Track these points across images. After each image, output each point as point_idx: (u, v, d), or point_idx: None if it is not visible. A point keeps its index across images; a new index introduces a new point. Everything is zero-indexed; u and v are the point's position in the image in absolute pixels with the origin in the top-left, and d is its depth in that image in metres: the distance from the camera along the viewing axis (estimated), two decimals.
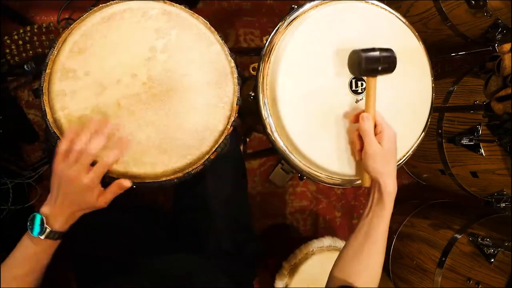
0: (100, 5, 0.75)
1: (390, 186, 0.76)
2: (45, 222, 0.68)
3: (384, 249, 0.78)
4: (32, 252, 0.70)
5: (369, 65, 0.79)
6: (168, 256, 0.92)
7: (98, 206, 0.71)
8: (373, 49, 0.79)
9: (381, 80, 0.89)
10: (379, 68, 0.79)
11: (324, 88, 0.86)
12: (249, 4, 1.77)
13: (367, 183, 0.86)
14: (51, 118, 0.70)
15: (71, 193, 0.68)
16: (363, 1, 0.91)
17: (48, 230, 0.68)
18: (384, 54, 0.80)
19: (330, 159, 0.87)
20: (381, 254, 0.78)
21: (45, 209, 0.69)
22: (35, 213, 0.69)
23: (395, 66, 0.81)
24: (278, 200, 1.79)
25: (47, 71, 0.70)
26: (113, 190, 0.71)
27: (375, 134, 0.79)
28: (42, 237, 0.68)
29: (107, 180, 0.71)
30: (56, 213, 0.69)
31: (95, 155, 0.68)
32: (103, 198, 0.71)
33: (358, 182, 0.93)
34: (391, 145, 0.79)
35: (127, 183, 0.70)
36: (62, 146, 0.67)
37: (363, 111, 0.81)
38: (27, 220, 0.69)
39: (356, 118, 0.82)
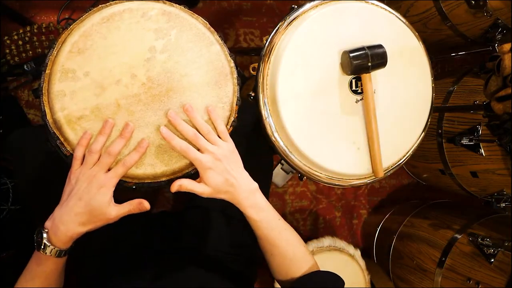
0: (100, 6, 0.74)
1: (239, 205, 0.76)
2: (44, 238, 0.67)
3: (288, 236, 0.80)
4: (39, 268, 0.69)
5: (358, 63, 0.82)
6: (169, 256, 0.92)
7: (107, 216, 0.68)
8: (361, 48, 0.83)
9: (381, 80, 0.89)
10: (369, 65, 0.83)
11: (324, 88, 0.86)
12: (249, 4, 1.77)
13: (380, 174, 0.87)
14: (51, 118, 0.70)
15: (84, 194, 0.65)
16: (363, 1, 0.91)
17: (48, 245, 0.67)
18: (373, 51, 0.82)
19: (330, 159, 0.87)
20: (290, 244, 0.80)
21: (47, 223, 0.68)
22: (39, 228, 0.68)
23: (386, 61, 0.84)
24: (278, 200, 1.79)
25: (47, 71, 0.70)
26: (130, 207, 0.70)
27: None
28: (45, 253, 0.67)
29: None
30: (57, 225, 0.66)
31: (116, 156, 0.68)
32: (116, 210, 0.68)
33: (358, 182, 0.93)
34: (216, 177, 0.73)
35: (147, 205, 0.71)
36: (78, 151, 0.68)
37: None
38: (36, 234, 0.68)
39: None
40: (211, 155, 0.71)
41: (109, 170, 0.68)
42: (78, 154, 0.68)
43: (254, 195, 0.76)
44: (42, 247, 0.67)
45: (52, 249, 0.67)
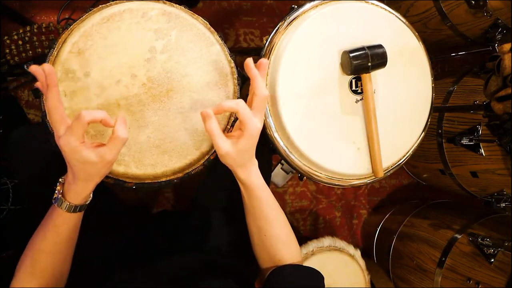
0: (100, 6, 0.74)
1: (241, 174, 0.74)
2: (59, 192, 0.66)
3: (277, 216, 0.82)
4: (52, 222, 0.68)
5: (358, 63, 0.82)
6: (169, 256, 0.92)
7: (107, 158, 0.61)
8: (361, 48, 0.83)
9: (381, 80, 0.89)
10: (369, 65, 0.83)
11: (324, 88, 0.86)
12: (249, 4, 1.77)
13: (380, 174, 0.87)
14: None
15: (68, 160, 0.62)
16: (363, 1, 0.91)
17: (61, 200, 0.66)
18: (373, 51, 0.82)
19: (330, 159, 0.87)
20: (278, 222, 0.81)
21: (64, 179, 0.67)
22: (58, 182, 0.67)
23: (386, 61, 0.84)
24: (278, 200, 1.78)
25: None
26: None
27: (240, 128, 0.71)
28: (59, 206, 0.66)
29: (104, 179, 0.71)
30: (70, 183, 0.65)
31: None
32: (107, 149, 0.62)
33: (358, 182, 0.93)
34: (248, 141, 0.69)
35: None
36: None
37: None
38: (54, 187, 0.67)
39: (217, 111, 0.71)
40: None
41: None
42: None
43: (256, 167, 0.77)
44: (56, 199, 0.66)
45: (62, 202, 0.66)
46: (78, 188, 0.65)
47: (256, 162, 0.75)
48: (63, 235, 0.69)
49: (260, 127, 0.69)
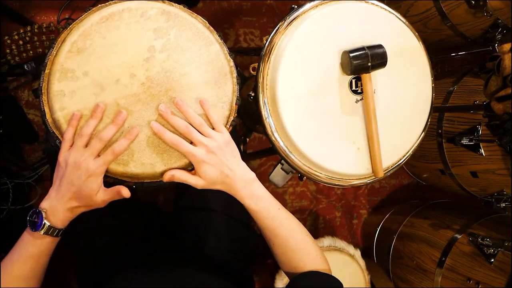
0: (99, 5, 0.74)
1: (237, 196, 0.75)
2: (44, 217, 0.67)
3: (290, 226, 0.79)
4: (31, 250, 0.68)
5: (358, 63, 0.82)
6: (168, 256, 0.92)
7: (96, 203, 0.68)
8: (361, 48, 0.82)
9: (381, 80, 0.89)
10: (369, 65, 0.82)
11: (324, 88, 0.86)
12: (249, 4, 1.77)
13: (380, 174, 0.87)
14: (50, 118, 0.70)
15: (75, 180, 0.65)
16: (363, 1, 0.91)
17: (47, 225, 0.67)
18: (373, 51, 0.82)
19: (330, 159, 0.87)
20: (294, 238, 0.79)
21: (44, 204, 0.68)
22: (34, 208, 0.68)
23: (386, 61, 0.84)
24: (278, 200, 1.78)
25: (46, 71, 0.70)
26: (113, 194, 0.69)
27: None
28: (42, 232, 0.67)
29: (104, 179, 0.71)
30: (55, 207, 0.67)
31: (106, 142, 0.67)
32: (103, 195, 0.68)
33: (358, 182, 0.93)
34: (211, 169, 0.71)
35: (126, 193, 0.69)
36: (69, 132, 0.67)
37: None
38: (27, 217, 0.68)
39: None
40: (205, 148, 0.70)
41: (98, 156, 0.67)
42: (68, 135, 0.67)
43: (251, 185, 0.75)
44: (41, 226, 0.67)
45: (50, 229, 0.67)
46: (67, 214, 0.69)
47: (248, 187, 0.75)
48: (42, 261, 0.71)
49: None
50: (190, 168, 0.76)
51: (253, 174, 0.76)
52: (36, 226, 0.67)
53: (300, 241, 0.79)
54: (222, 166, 0.72)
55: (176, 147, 0.71)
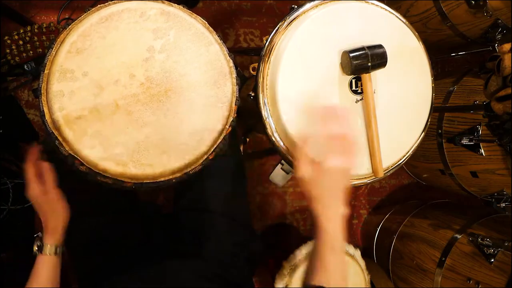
0: (99, 6, 0.74)
1: (316, 211, 0.70)
2: (40, 240, 0.82)
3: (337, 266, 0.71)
4: (36, 271, 0.81)
5: (358, 63, 0.82)
6: (168, 257, 0.92)
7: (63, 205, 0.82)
8: (361, 48, 0.82)
9: (381, 80, 0.89)
10: (369, 65, 0.82)
11: (324, 88, 0.86)
12: (249, 4, 1.77)
13: (380, 174, 0.86)
14: (49, 118, 0.70)
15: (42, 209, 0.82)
16: (363, 1, 0.91)
17: (42, 245, 0.81)
18: (373, 51, 0.82)
19: None
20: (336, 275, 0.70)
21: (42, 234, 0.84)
22: (36, 238, 0.83)
23: (386, 61, 0.84)
24: (278, 200, 1.78)
25: (45, 71, 0.70)
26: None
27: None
28: (46, 252, 0.81)
29: (103, 179, 0.71)
30: (49, 232, 0.82)
31: None
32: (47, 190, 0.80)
33: (358, 182, 0.93)
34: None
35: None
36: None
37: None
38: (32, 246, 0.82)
39: None
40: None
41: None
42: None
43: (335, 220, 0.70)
44: (41, 248, 0.81)
45: (50, 248, 0.81)
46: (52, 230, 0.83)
47: (336, 212, 0.70)
48: (53, 279, 0.83)
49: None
50: (189, 169, 0.75)
51: (341, 210, 0.71)
52: (40, 249, 0.82)
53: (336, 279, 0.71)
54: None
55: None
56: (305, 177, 0.68)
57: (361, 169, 0.89)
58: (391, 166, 0.94)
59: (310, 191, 0.69)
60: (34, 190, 0.80)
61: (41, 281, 0.80)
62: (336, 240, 0.70)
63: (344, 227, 0.71)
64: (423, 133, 0.96)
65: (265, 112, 0.86)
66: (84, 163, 0.71)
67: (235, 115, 0.79)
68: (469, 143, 1.33)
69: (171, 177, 0.75)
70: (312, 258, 0.72)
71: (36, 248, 0.82)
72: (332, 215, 0.70)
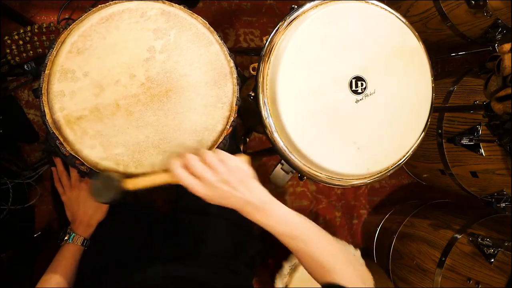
0: (99, 6, 0.74)
1: (253, 219, 0.70)
2: (71, 230, 0.88)
3: (320, 242, 0.70)
4: (62, 258, 0.85)
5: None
6: (168, 258, 0.92)
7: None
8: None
9: (381, 80, 0.89)
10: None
11: (324, 88, 0.86)
12: (249, 4, 1.77)
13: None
14: (50, 118, 0.70)
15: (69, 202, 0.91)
16: (363, 1, 0.91)
17: (73, 234, 0.87)
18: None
19: (330, 159, 0.87)
20: (329, 258, 0.69)
21: (70, 225, 0.90)
22: (65, 229, 0.89)
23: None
24: (278, 200, 1.78)
25: (46, 71, 0.70)
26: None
27: None
28: (75, 242, 0.87)
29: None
30: (77, 224, 0.89)
31: None
32: None
33: (358, 182, 0.93)
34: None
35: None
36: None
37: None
38: (60, 234, 0.89)
39: None
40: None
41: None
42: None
43: (265, 208, 0.70)
44: (68, 237, 0.87)
45: (74, 236, 0.88)
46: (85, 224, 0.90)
47: (264, 204, 0.70)
48: (70, 267, 0.86)
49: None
50: None
51: (267, 197, 0.71)
52: (66, 238, 0.89)
53: (331, 260, 0.69)
54: (228, 195, 0.69)
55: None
56: (201, 194, 0.69)
57: (361, 169, 0.90)
58: (391, 166, 0.94)
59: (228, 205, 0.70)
60: (58, 188, 0.91)
61: (64, 265, 0.84)
62: (295, 228, 0.69)
63: (280, 208, 0.71)
64: (423, 133, 0.96)
65: (265, 112, 0.86)
66: (85, 163, 0.71)
67: (236, 115, 0.79)
68: (469, 143, 1.33)
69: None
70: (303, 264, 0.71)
71: (67, 237, 0.87)
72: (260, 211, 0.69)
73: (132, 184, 0.69)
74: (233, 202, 0.69)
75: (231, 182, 0.69)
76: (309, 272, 0.72)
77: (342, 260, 0.70)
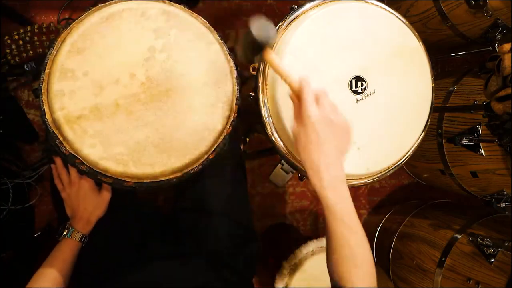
0: (99, 5, 0.74)
1: (312, 179, 0.67)
2: (70, 225, 0.88)
3: (356, 240, 0.71)
4: (60, 252, 0.85)
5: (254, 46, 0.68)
6: (167, 257, 0.92)
7: (104, 198, 0.91)
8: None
9: (381, 80, 0.89)
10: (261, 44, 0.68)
11: (323, 88, 0.86)
12: (249, 4, 1.77)
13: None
14: (50, 118, 0.70)
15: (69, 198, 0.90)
16: (363, 1, 0.91)
17: (72, 229, 0.87)
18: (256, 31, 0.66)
19: None
20: (353, 247, 0.71)
21: (69, 221, 0.90)
22: (64, 224, 0.89)
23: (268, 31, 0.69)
24: (278, 200, 1.78)
25: (46, 71, 0.70)
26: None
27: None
28: (73, 238, 0.87)
29: (103, 179, 0.71)
30: (77, 220, 0.89)
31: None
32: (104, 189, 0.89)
33: (358, 182, 0.93)
34: (298, 129, 0.68)
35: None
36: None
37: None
38: (59, 229, 0.89)
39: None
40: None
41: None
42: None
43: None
44: (67, 232, 0.87)
45: (73, 231, 0.88)
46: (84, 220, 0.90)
47: (337, 177, 0.69)
48: (68, 262, 0.86)
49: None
50: (189, 168, 0.75)
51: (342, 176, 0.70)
52: (65, 233, 0.88)
53: (359, 253, 0.72)
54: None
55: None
56: (311, 117, 0.64)
57: (361, 169, 0.90)
58: (391, 166, 0.94)
59: (308, 151, 0.66)
60: (58, 185, 0.91)
61: (61, 260, 0.85)
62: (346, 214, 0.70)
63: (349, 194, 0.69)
64: (423, 133, 0.96)
65: (264, 112, 0.86)
66: (85, 162, 0.71)
67: (236, 115, 0.79)
68: (469, 143, 1.33)
69: (171, 176, 0.75)
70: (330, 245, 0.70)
71: (65, 232, 0.87)
72: (332, 182, 0.68)
73: (269, 57, 0.68)
74: (313, 155, 0.66)
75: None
76: (332, 258, 0.72)
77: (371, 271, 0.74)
